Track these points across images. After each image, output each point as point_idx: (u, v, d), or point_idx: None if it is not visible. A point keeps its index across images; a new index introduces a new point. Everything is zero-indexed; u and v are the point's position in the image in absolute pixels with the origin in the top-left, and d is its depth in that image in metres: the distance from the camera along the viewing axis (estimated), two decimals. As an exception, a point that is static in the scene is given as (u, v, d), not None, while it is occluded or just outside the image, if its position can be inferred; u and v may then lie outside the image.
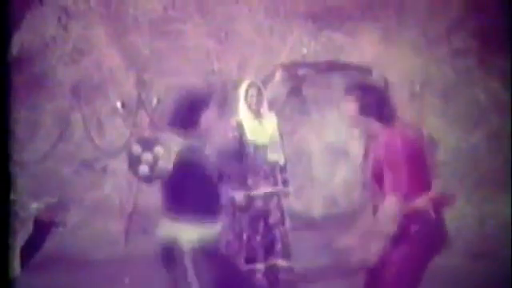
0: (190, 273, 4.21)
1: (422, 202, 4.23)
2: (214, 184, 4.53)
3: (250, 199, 6.46)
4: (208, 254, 4.25)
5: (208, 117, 4.49)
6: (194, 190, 4.29)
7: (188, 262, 4.21)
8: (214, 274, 4.26)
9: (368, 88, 4.56)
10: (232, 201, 6.47)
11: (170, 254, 4.27)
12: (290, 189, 6.74)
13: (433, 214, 4.24)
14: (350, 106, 4.47)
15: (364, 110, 4.42)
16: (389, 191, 4.23)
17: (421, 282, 4.28)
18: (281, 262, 6.52)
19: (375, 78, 8.24)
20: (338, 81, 9.21)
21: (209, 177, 4.44)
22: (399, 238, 4.21)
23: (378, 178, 4.34)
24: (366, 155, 4.65)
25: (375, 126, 4.41)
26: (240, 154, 6.49)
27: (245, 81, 6.67)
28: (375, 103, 4.43)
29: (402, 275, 4.24)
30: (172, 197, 4.36)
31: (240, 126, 6.49)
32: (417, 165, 4.35)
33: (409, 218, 4.22)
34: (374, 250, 4.26)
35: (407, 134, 4.43)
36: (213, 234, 4.34)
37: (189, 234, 4.21)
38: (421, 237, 4.24)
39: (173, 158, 4.36)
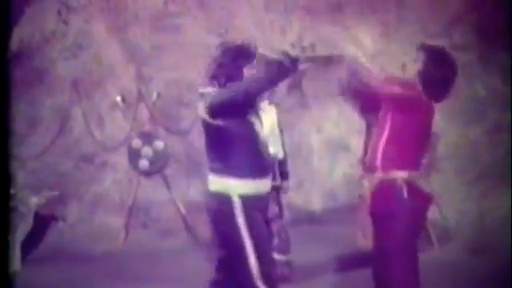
0: (242, 224, 4.28)
1: (397, 176, 4.20)
2: (256, 133, 4.38)
3: None
4: (256, 206, 4.36)
5: (250, 72, 4.42)
6: (239, 138, 4.28)
7: (239, 215, 4.27)
8: (262, 225, 4.45)
9: (445, 59, 4.30)
10: None
11: (221, 208, 4.31)
12: (290, 183, 6.74)
13: (405, 194, 4.19)
14: (415, 65, 4.28)
15: (424, 77, 4.24)
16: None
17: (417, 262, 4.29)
18: (277, 256, 6.52)
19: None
20: (337, 75, 9.21)
21: (252, 125, 4.35)
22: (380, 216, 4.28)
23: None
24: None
25: (420, 95, 4.25)
26: None
27: None
28: (438, 78, 4.25)
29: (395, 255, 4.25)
30: (217, 149, 4.33)
31: None
32: (424, 144, 4.35)
33: (381, 189, 4.26)
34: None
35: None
36: (261, 187, 4.38)
37: (239, 187, 4.25)
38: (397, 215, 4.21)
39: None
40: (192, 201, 8.07)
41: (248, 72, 4.41)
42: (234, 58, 4.42)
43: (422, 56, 4.28)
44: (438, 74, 4.24)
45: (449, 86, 4.30)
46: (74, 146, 8.81)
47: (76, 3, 8.94)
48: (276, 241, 6.54)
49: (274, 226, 6.56)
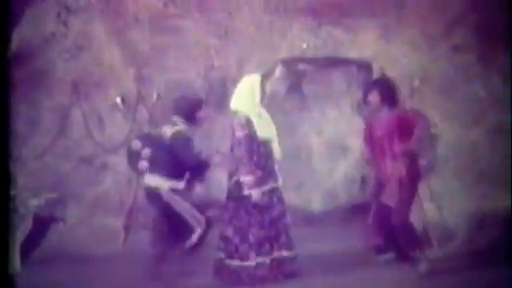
0: (172, 203, 6.60)
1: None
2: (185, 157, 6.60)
3: (262, 195, 6.48)
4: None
5: (203, 113, 6.76)
6: (172, 158, 6.60)
7: (167, 199, 6.60)
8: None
9: (386, 83, 6.78)
10: (248, 198, 6.46)
11: (153, 196, 6.71)
12: (290, 184, 6.75)
13: None
14: (375, 97, 6.54)
15: (384, 99, 6.53)
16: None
17: None
18: (285, 253, 6.55)
19: (375, 72, 8.26)
20: (337, 77, 9.21)
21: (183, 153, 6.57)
22: None
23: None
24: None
25: (385, 109, 6.54)
26: (251, 150, 6.47)
27: (255, 75, 6.65)
28: (391, 95, 6.59)
29: None
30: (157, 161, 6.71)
31: (249, 123, 6.47)
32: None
33: None
34: None
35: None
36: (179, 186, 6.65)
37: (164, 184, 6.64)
38: None
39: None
40: (192, 201, 8.05)
41: (199, 115, 6.72)
42: (187, 105, 6.72)
43: (379, 88, 6.62)
44: (391, 93, 6.67)
45: (397, 96, 6.82)
46: (74, 148, 8.81)
47: (76, 5, 8.94)
48: (284, 238, 6.57)
49: (281, 225, 6.58)
